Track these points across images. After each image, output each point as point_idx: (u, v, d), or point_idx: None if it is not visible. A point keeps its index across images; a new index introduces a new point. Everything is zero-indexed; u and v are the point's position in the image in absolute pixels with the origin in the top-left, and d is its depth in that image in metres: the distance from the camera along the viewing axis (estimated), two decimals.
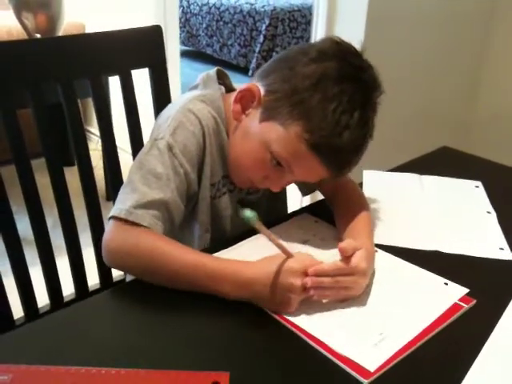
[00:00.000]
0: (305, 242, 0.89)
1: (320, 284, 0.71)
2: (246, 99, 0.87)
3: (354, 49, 0.85)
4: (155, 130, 0.89)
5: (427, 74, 2.34)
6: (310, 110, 0.79)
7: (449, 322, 0.73)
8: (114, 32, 1.05)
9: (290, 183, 0.93)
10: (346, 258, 0.76)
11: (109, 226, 0.81)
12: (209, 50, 5.10)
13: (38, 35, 2.11)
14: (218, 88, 0.93)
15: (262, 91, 0.85)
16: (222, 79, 0.96)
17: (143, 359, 0.64)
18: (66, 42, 1.05)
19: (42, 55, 0.97)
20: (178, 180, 0.84)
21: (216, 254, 0.82)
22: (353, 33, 2.03)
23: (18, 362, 0.62)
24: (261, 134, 0.84)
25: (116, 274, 1.15)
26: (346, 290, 0.74)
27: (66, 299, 1.09)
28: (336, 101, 0.78)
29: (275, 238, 0.74)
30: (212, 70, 0.95)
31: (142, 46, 1.09)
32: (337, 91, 0.79)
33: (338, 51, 0.83)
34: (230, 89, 0.96)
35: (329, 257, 0.80)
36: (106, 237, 0.81)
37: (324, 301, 0.75)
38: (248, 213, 0.70)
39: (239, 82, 0.98)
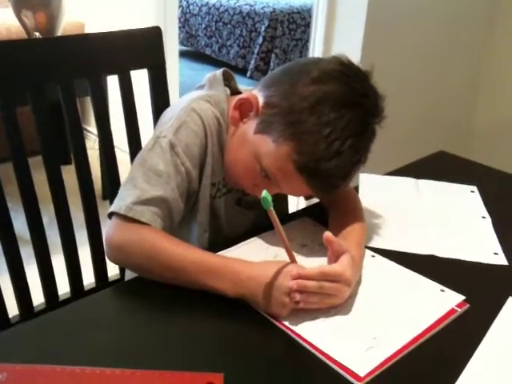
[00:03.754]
0: (302, 247, 0.89)
1: (304, 288, 0.71)
2: (245, 108, 0.87)
3: (361, 72, 0.82)
4: (158, 127, 0.90)
5: (426, 79, 2.35)
6: (303, 132, 0.78)
7: (442, 326, 0.74)
8: (113, 33, 1.05)
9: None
10: (332, 256, 0.77)
11: (111, 223, 0.82)
12: (208, 51, 5.10)
13: (37, 33, 2.11)
14: (223, 90, 0.94)
15: (261, 102, 0.85)
16: (227, 81, 0.97)
17: (138, 359, 0.65)
18: (65, 42, 1.05)
19: (42, 55, 0.97)
20: (179, 178, 0.85)
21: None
22: (352, 36, 2.04)
23: (13, 360, 0.62)
24: (253, 145, 0.85)
25: (112, 273, 1.15)
26: (330, 297, 0.73)
27: (61, 298, 1.09)
28: (330, 126, 0.77)
29: (284, 234, 0.74)
30: (218, 71, 0.96)
31: (142, 47, 1.09)
32: (333, 117, 0.77)
33: (342, 74, 0.80)
34: (235, 91, 0.97)
35: (324, 263, 0.81)
36: (108, 234, 0.82)
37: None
38: (265, 193, 0.70)
39: (238, 83, 0.99)
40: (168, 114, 0.91)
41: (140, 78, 1.13)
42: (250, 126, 0.86)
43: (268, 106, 0.84)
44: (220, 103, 0.91)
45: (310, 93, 0.79)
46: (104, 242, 0.82)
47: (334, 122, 0.78)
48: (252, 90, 0.90)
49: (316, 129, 0.78)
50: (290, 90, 0.81)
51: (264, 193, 0.70)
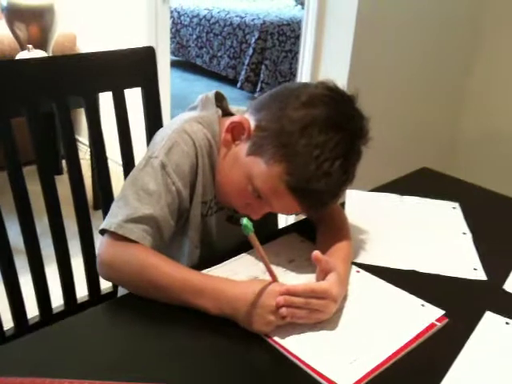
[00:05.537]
0: (290, 262, 0.92)
1: (292, 303, 0.74)
2: (237, 131, 0.90)
3: (347, 96, 0.87)
4: (151, 147, 0.93)
5: (412, 95, 2.38)
6: (294, 154, 0.82)
7: (422, 339, 0.77)
8: (108, 52, 1.08)
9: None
10: (320, 273, 0.80)
11: (102, 241, 0.85)
12: (198, 61, 5.14)
13: (30, 46, 2.13)
14: (215, 111, 0.97)
15: (253, 125, 0.88)
16: (219, 102, 0.99)
17: (130, 373, 0.67)
18: (61, 61, 1.08)
19: (38, 73, 1.00)
20: (169, 197, 0.87)
21: (204, 271, 0.85)
22: (340, 48, 2.06)
23: (8, 374, 0.64)
24: (246, 166, 0.88)
25: (104, 285, 1.17)
26: (317, 313, 0.76)
27: (55, 310, 1.10)
28: (320, 148, 0.81)
29: (265, 256, 0.77)
30: (211, 93, 0.99)
31: (135, 67, 1.12)
32: (322, 139, 0.81)
33: (329, 99, 0.85)
34: (226, 111, 0.99)
35: (311, 278, 0.84)
36: (99, 251, 0.84)
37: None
38: (245, 221, 0.73)
39: (227, 93, 1.02)
40: (160, 135, 0.94)
41: (132, 93, 1.16)
42: (242, 148, 0.89)
43: (259, 128, 0.87)
44: (212, 124, 0.94)
45: (299, 116, 0.83)
46: (97, 259, 0.84)
47: (323, 144, 0.81)
48: (244, 113, 0.93)
49: (306, 150, 0.81)
50: (280, 113, 0.84)
51: (245, 220, 0.72)
